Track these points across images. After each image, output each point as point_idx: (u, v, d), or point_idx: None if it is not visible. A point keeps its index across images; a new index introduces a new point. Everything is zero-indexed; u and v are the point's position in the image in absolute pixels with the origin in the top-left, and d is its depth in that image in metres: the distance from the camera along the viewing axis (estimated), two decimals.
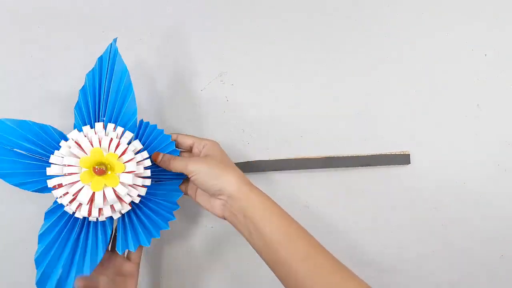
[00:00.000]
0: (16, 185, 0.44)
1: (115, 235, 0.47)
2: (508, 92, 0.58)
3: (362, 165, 0.56)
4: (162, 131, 0.48)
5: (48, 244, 0.43)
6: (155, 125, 0.48)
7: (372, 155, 0.56)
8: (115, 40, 0.48)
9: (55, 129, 0.45)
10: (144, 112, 0.55)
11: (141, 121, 0.48)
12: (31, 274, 0.54)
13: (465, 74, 0.58)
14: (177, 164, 0.45)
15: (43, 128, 0.45)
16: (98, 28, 0.55)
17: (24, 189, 0.44)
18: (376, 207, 0.57)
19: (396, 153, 0.56)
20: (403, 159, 0.56)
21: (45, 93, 0.55)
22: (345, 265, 0.42)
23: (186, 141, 0.49)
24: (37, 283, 0.43)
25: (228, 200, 0.43)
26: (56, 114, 0.55)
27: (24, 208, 0.54)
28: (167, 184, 0.49)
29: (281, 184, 0.56)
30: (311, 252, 0.41)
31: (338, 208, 0.57)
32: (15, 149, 0.44)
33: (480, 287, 0.58)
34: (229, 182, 0.43)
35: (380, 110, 0.57)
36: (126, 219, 0.46)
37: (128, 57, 0.55)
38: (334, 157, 0.55)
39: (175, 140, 0.49)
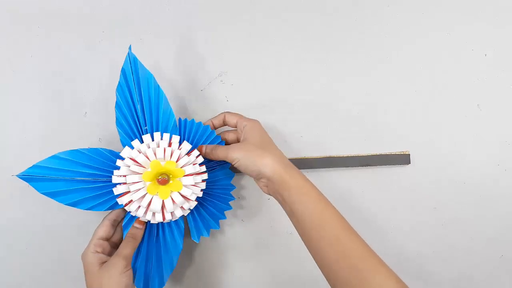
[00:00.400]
0: (88, 209, 0.46)
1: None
2: (508, 92, 0.58)
3: (362, 165, 0.56)
4: (200, 123, 0.50)
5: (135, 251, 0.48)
6: (193, 120, 0.50)
7: (372, 155, 0.56)
8: (130, 47, 0.48)
9: (105, 149, 0.47)
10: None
11: (180, 119, 0.50)
12: (32, 274, 0.54)
13: (465, 74, 0.58)
14: (220, 154, 0.47)
15: (95, 151, 0.47)
16: (98, 28, 0.55)
17: (97, 211, 0.47)
18: (376, 207, 0.57)
19: (396, 153, 0.56)
20: (403, 159, 0.56)
21: (45, 93, 0.55)
22: (374, 252, 0.42)
23: (231, 120, 0.51)
24: (136, 284, 0.48)
25: (268, 183, 0.46)
26: (56, 114, 0.55)
27: (24, 208, 0.54)
28: (218, 170, 0.52)
29: None
30: (340, 237, 0.41)
31: (338, 208, 0.57)
32: (77, 178, 0.46)
33: (480, 287, 0.58)
34: (266, 166, 0.44)
35: (380, 110, 0.57)
36: (195, 212, 0.50)
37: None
38: (334, 157, 0.56)
39: (213, 127, 0.51)
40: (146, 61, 0.56)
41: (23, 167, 0.45)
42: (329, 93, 0.57)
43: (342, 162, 0.55)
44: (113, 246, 0.48)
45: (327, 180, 0.56)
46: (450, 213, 0.57)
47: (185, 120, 0.50)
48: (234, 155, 0.46)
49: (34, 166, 0.45)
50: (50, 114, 0.55)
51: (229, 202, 0.52)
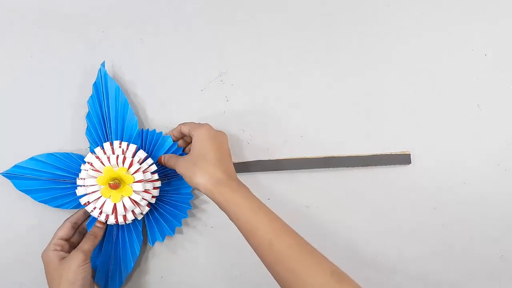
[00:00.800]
0: (57, 207, 0.52)
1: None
2: (508, 92, 0.58)
3: (362, 165, 0.56)
4: (160, 133, 0.53)
5: (97, 248, 0.51)
6: (154, 130, 0.53)
7: (372, 155, 0.56)
8: (103, 64, 0.53)
9: (75, 154, 0.52)
10: (145, 112, 0.56)
11: (141, 130, 0.53)
12: (31, 274, 0.54)
13: (465, 74, 0.58)
14: (172, 164, 0.50)
15: (66, 156, 0.52)
16: (98, 28, 0.55)
17: (64, 209, 0.52)
18: (376, 207, 0.57)
19: (397, 153, 0.56)
20: (403, 159, 0.56)
21: (45, 93, 0.55)
22: (312, 249, 0.42)
23: (185, 130, 0.51)
24: (97, 280, 0.52)
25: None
26: (57, 114, 0.55)
27: (24, 209, 0.54)
28: (177, 179, 0.54)
29: (281, 184, 0.56)
30: (273, 242, 0.42)
31: (338, 208, 0.57)
32: (50, 179, 0.51)
33: (480, 287, 0.58)
34: (198, 185, 0.46)
35: (380, 110, 0.57)
36: (150, 217, 0.53)
37: (128, 57, 0.55)
38: (334, 157, 0.55)
39: (174, 139, 0.54)
40: (145, 61, 0.56)
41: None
42: (329, 93, 0.57)
43: (342, 162, 0.55)
44: (72, 246, 0.50)
45: (327, 180, 0.56)
46: (450, 213, 0.57)
47: (147, 130, 0.53)
48: (179, 170, 0.48)
49: (15, 166, 0.51)
50: (50, 114, 0.55)
51: (187, 211, 0.54)
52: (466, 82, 0.58)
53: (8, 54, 0.55)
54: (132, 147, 0.50)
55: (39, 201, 0.51)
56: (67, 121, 0.55)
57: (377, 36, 0.57)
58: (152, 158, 0.51)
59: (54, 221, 0.52)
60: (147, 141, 0.53)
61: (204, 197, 0.55)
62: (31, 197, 0.51)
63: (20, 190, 0.51)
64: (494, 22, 0.58)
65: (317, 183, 0.56)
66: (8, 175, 0.51)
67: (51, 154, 0.52)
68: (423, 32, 0.58)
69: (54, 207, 0.52)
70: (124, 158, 0.49)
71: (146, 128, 0.54)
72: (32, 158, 0.52)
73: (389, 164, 0.56)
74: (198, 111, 0.56)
